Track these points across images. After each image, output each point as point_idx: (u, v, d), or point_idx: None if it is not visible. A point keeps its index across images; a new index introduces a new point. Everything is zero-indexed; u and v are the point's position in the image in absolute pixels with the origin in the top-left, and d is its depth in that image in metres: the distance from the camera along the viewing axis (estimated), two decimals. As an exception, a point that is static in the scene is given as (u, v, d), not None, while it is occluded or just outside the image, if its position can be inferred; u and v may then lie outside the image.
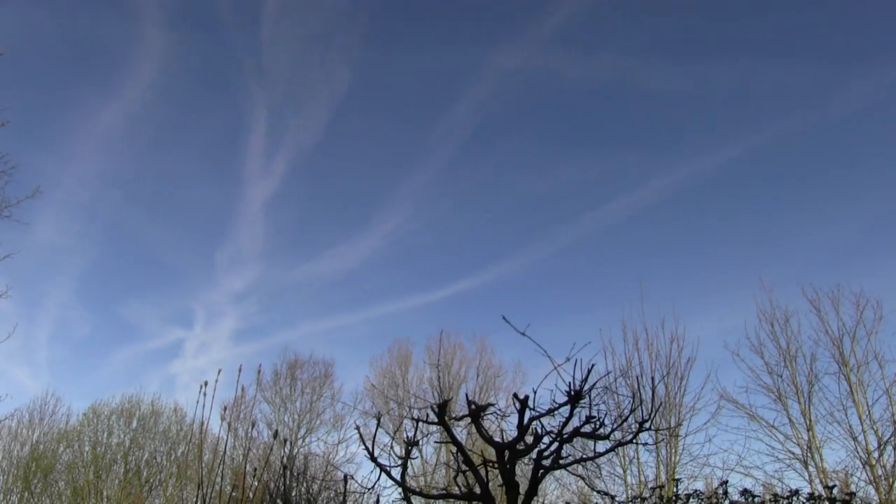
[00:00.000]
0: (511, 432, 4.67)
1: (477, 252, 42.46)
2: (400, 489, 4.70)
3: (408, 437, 4.82)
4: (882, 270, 27.90)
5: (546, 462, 4.39)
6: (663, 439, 13.37)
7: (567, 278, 39.75)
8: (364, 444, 4.70)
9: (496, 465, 4.44)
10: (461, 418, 4.88)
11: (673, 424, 13.59)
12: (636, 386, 5.00)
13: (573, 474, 8.02)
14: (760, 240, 34.80)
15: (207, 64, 40.19)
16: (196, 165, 42.00)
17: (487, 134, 41.36)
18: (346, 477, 7.07)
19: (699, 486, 13.40)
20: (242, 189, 41.56)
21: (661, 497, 8.73)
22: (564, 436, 4.39)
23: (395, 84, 40.74)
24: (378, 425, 5.08)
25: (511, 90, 39.80)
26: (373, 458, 4.69)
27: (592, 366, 4.26)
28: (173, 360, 41.62)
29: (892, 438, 11.97)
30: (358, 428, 4.94)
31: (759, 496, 7.15)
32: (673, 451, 13.61)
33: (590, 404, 4.38)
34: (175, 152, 40.80)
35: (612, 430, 4.52)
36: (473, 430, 6.03)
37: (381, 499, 6.66)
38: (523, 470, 8.76)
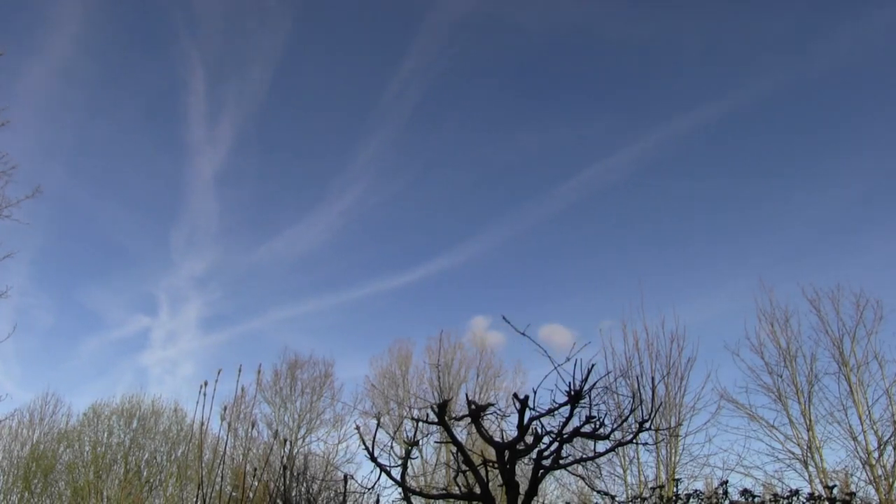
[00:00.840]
0: (511, 432, 4.67)
1: (446, 229, 40.63)
2: (400, 489, 4.70)
3: (408, 437, 4.82)
4: (877, 249, 27.02)
5: (546, 462, 4.39)
6: (663, 439, 13.37)
7: (544, 258, 38.32)
8: (364, 444, 4.70)
9: (496, 465, 4.44)
10: (461, 418, 4.88)
11: (673, 424, 13.59)
12: (636, 386, 5.01)
13: (573, 474, 8.03)
14: (747, 210, 33.01)
15: (132, 15, 36.41)
16: (136, 132, 39.07)
17: (442, 94, 38.80)
18: (346, 477, 7.07)
19: (699, 486, 13.42)
20: (189, 159, 39.36)
21: (661, 497, 8.74)
22: (564, 436, 4.39)
23: (338, 34, 37.41)
24: (378, 425, 5.08)
25: (462, 44, 36.86)
26: (373, 458, 4.68)
27: (592, 366, 4.27)
28: (142, 350, 40.26)
29: (892, 438, 11.97)
30: (358, 428, 4.94)
31: (759, 496, 7.15)
32: (673, 451, 13.61)
33: (590, 404, 4.38)
34: (112, 117, 37.92)
35: (612, 430, 4.52)
36: (473, 430, 6.04)
37: (381, 499, 6.67)
38: (523, 470, 8.76)
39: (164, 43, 37.33)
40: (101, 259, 41.07)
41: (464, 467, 4.59)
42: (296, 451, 21.04)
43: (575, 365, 4.21)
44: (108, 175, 38.72)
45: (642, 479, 14.00)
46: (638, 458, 14.27)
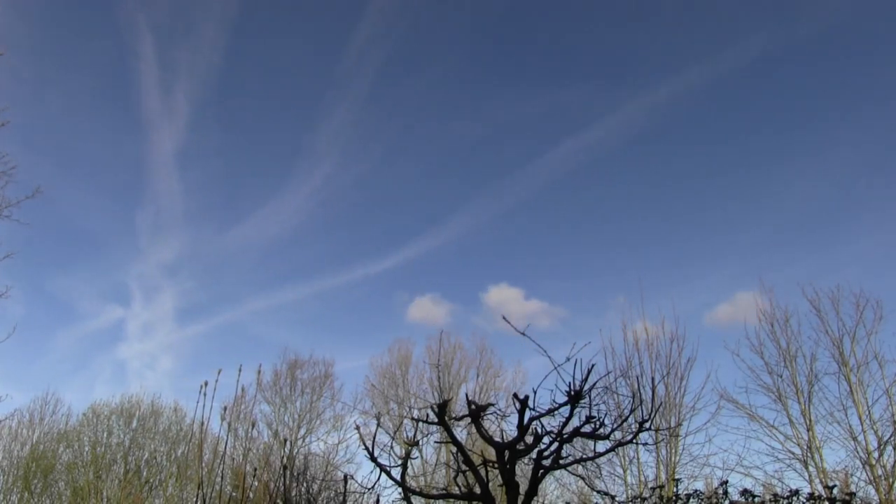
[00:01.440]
0: (511, 432, 4.67)
1: (419, 210, 39.35)
2: (400, 489, 4.70)
3: (408, 437, 4.82)
4: (870, 233, 26.33)
5: (546, 462, 4.39)
6: (663, 439, 13.37)
7: (525, 244, 37.29)
8: (364, 444, 4.70)
9: (496, 465, 4.43)
10: (461, 418, 4.88)
11: (673, 424, 13.60)
12: (636, 386, 5.00)
13: (573, 474, 8.03)
14: (736, 187, 32.00)
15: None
16: (88, 105, 36.78)
17: (403, 61, 36.92)
18: (346, 477, 7.07)
19: (699, 486, 13.42)
20: (146, 134, 37.65)
21: (661, 497, 8.74)
22: (564, 436, 4.39)
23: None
24: (378, 425, 5.09)
25: (420, 4, 34.92)
26: (373, 458, 4.69)
27: (592, 366, 4.26)
28: (118, 343, 39.27)
29: (892, 438, 11.97)
30: (358, 428, 4.94)
31: (759, 496, 7.15)
32: (673, 451, 13.62)
33: (590, 404, 4.37)
34: (61, 90, 35.60)
35: (612, 430, 4.52)
36: (473, 430, 6.04)
37: (381, 499, 6.67)
38: (523, 470, 8.76)
39: (107, 5, 35.31)
40: (67, 245, 39.38)
41: (464, 467, 4.59)
42: (296, 451, 21.05)
43: (575, 365, 4.21)
44: (63, 153, 36.93)
45: (642, 479, 14.01)
46: (638, 458, 14.28)
